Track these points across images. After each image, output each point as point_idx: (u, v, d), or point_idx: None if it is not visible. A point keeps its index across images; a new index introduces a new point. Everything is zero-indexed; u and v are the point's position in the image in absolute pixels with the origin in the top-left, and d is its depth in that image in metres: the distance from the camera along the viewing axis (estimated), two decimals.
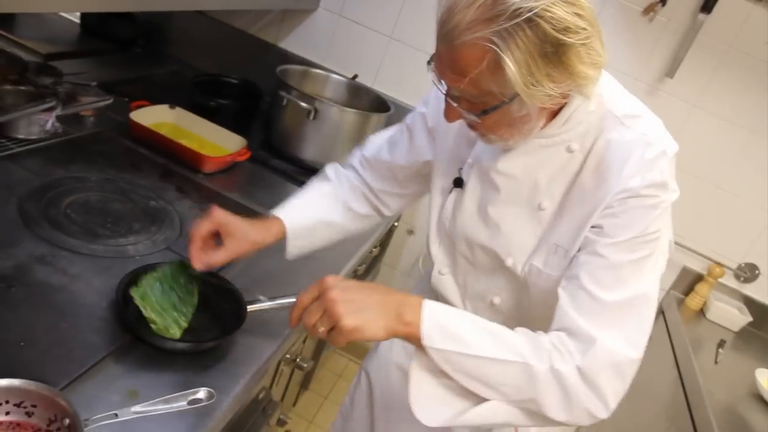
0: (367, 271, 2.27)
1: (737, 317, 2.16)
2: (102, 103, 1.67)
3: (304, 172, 1.92)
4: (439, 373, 0.95)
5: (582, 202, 1.00)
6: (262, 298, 1.15)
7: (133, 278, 1.10)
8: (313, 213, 1.26)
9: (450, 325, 0.93)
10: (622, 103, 1.02)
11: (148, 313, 1.04)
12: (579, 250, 0.99)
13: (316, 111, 1.88)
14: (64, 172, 1.47)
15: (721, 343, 2.03)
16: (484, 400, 0.95)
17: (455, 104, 0.93)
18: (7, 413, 0.84)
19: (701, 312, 2.22)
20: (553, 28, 0.81)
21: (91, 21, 2.37)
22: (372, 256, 2.28)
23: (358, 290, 0.94)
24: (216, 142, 1.83)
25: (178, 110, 1.87)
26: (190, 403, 0.92)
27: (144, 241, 1.34)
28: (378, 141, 1.33)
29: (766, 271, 2.19)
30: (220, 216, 1.15)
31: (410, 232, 2.49)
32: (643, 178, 0.94)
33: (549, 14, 0.81)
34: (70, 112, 1.60)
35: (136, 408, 0.89)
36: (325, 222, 1.27)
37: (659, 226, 0.95)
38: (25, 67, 1.68)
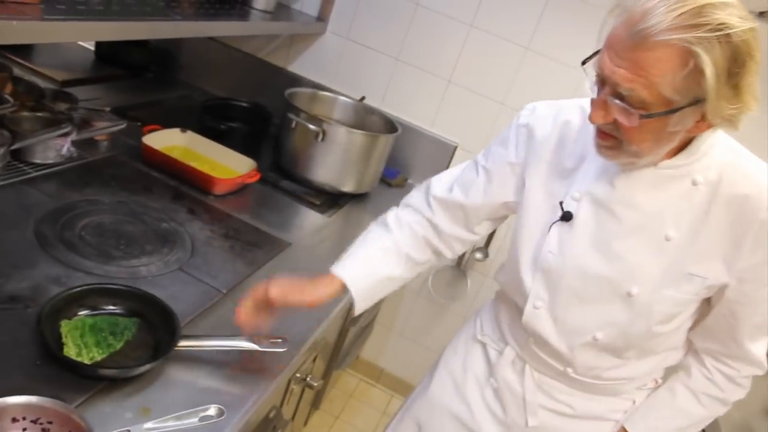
0: None
1: None
2: (115, 128, 1.71)
3: (313, 193, 1.95)
4: None
5: (723, 235, 1.04)
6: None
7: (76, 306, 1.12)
8: (375, 272, 1.24)
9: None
10: (733, 146, 1.07)
11: (67, 343, 1.05)
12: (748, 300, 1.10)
13: (324, 133, 1.91)
14: (79, 195, 1.50)
15: None
16: None
17: (614, 103, 0.93)
18: (24, 429, 0.87)
19: None
20: (744, 51, 0.87)
21: (104, 48, 2.43)
22: None
23: None
24: (226, 164, 1.86)
25: (189, 134, 1.90)
26: (201, 419, 0.94)
27: (156, 263, 1.36)
28: (446, 181, 1.31)
29: None
30: (278, 283, 1.16)
31: None
32: None
33: (746, 37, 0.86)
34: (84, 137, 1.64)
35: (149, 425, 0.91)
36: (388, 278, 1.26)
37: None
38: (41, 93, 1.73)
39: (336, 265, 1.23)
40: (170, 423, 0.92)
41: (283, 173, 2.00)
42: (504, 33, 2.18)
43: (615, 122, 0.96)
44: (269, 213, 1.78)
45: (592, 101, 0.98)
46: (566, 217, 1.12)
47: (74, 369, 1.00)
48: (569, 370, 1.23)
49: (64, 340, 1.05)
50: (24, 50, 2.18)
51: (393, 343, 2.71)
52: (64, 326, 1.08)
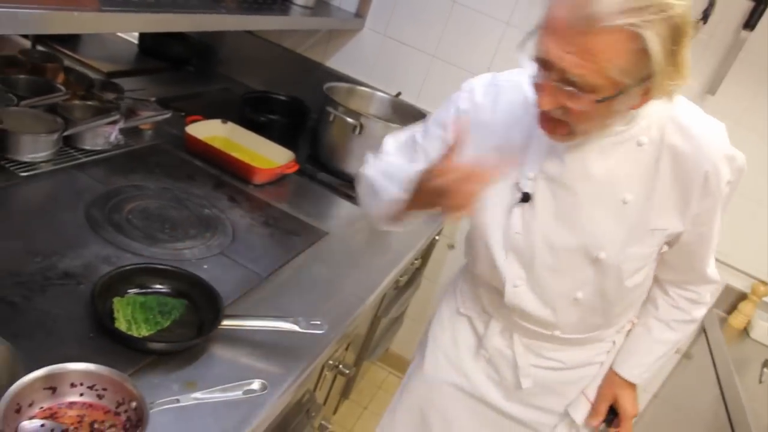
0: (408, 282, 2.32)
1: None
2: (160, 117, 1.77)
3: (349, 185, 1.99)
4: None
5: (673, 188, 1.11)
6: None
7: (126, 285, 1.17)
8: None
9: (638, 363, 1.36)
10: (680, 102, 1.11)
11: (118, 319, 1.10)
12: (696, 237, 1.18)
13: (361, 126, 1.95)
14: (126, 180, 1.56)
15: (766, 363, 2.01)
16: None
17: (561, 88, 0.94)
18: (81, 394, 0.92)
19: (745, 331, 2.20)
20: (682, 29, 0.90)
21: (147, 41, 2.50)
22: (414, 269, 2.32)
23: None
24: (265, 155, 1.91)
25: (230, 125, 1.96)
26: (245, 393, 0.98)
27: (199, 246, 1.41)
28: (394, 144, 1.33)
29: None
30: None
31: (451, 246, 2.54)
32: (731, 172, 1.11)
33: (683, 14, 0.89)
34: (131, 126, 1.70)
35: (196, 395, 0.95)
36: None
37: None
38: (91, 83, 1.79)
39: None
40: (216, 394, 0.96)
41: (321, 165, 2.04)
42: None
43: (563, 108, 0.97)
44: (307, 203, 1.82)
45: (537, 86, 0.98)
46: (525, 198, 1.15)
47: (125, 342, 1.05)
48: (557, 332, 1.30)
49: (115, 315, 1.10)
50: (72, 42, 2.25)
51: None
52: (117, 303, 1.13)
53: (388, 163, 1.28)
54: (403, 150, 1.30)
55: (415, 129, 1.31)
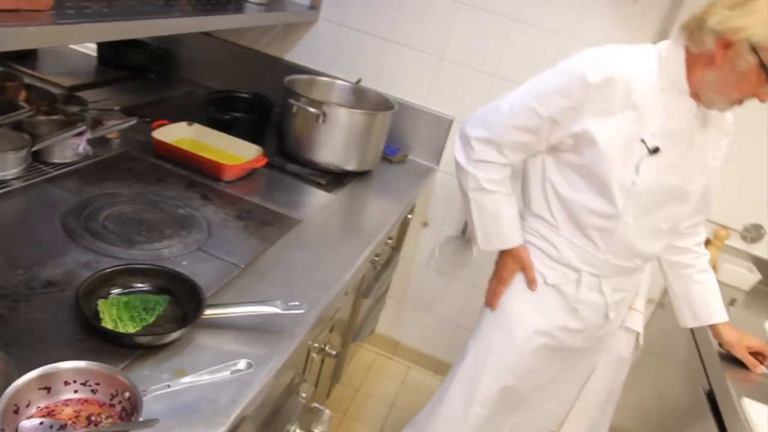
0: (386, 263, 2.38)
1: (747, 276, 2.23)
2: (126, 125, 1.80)
3: (318, 173, 2.04)
4: None
5: (713, 138, 1.54)
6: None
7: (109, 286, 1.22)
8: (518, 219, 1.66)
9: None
10: None
11: (105, 319, 1.15)
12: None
13: (324, 115, 1.99)
14: (99, 189, 1.59)
15: (732, 302, 2.10)
16: None
17: None
18: (75, 391, 0.96)
19: None
20: None
21: (106, 52, 2.51)
22: (389, 249, 2.38)
23: None
24: (234, 152, 1.95)
25: (196, 126, 1.99)
26: (232, 373, 1.03)
27: (176, 245, 1.46)
28: (504, 129, 1.53)
29: None
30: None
31: (425, 224, 2.60)
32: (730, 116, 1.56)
33: None
34: (98, 136, 1.73)
35: (186, 379, 1.00)
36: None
37: None
38: (53, 98, 1.82)
39: (505, 240, 1.63)
40: (205, 377, 1.01)
41: (289, 157, 2.08)
42: (489, 6, 2.25)
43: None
44: (278, 194, 1.87)
45: (763, 94, 1.35)
46: (655, 150, 1.43)
47: (113, 339, 1.09)
48: (637, 261, 1.60)
49: (101, 316, 1.15)
50: (30, 60, 2.27)
51: (406, 315, 2.80)
52: (101, 304, 1.17)
53: (486, 203, 1.62)
54: (524, 130, 1.52)
55: (527, 102, 1.50)
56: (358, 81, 2.37)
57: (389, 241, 2.16)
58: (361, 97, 2.32)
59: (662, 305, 2.44)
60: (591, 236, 1.55)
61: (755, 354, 1.69)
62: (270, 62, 2.54)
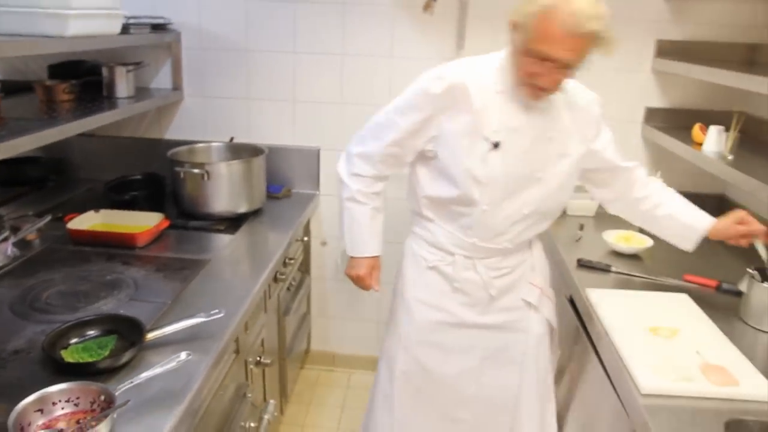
0: (298, 285, 2.73)
1: (589, 204, 2.71)
2: (42, 223, 2.10)
3: (216, 222, 2.39)
4: None
5: (574, 128, 1.76)
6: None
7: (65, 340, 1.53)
8: (380, 234, 1.95)
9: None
10: None
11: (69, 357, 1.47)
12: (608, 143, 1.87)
13: (207, 173, 2.35)
14: (34, 279, 1.89)
15: (581, 227, 2.56)
16: None
17: (560, 69, 1.55)
18: (62, 408, 1.27)
19: (563, 212, 2.76)
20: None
21: (3, 172, 2.77)
22: (299, 273, 2.73)
23: None
24: (140, 223, 2.26)
25: (102, 211, 2.30)
26: (177, 363, 1.36)
27: (112, 301, 1.77)
28: (377, 144, 1.82)
29: None
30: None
31: (323, 243, 2.97)
32: (598, 105, 1.84)
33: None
34: (20, 238, 2.02)
35: (144, 374, 1.33)
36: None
37: None
38: None
39: (366, 248, 1.93)
40: (158, 370, 1.34)
41: (188, 216, 2.42)
42: (321, 48, 2.69)
43: (556, 80, 1.59)
44: (187, 246, 2.20)
45: (534, 73, 1.57)
46: (497, 145, 1.68)
47: (80, 371, 1.40)
48: (506, 243, 1.81)
49: (66, 361, 1.45)
50: None
51: (333, 327, 3.15)
52: (64, 354, 1.48)
53: (356, 212, 1.91)
54: (393, 143, 1.80)
55: (390, 118, 1.79)
56: (231, 139, 2.74)
57: (291, 261, 2.51)
58: (236, 151, 2.69)
59: None
60: (459, 224, 1.79)
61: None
62: (152, 144, 2.87)
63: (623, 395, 1.55)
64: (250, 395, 1.90)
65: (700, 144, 2.29)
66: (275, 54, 2.72)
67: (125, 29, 2.29)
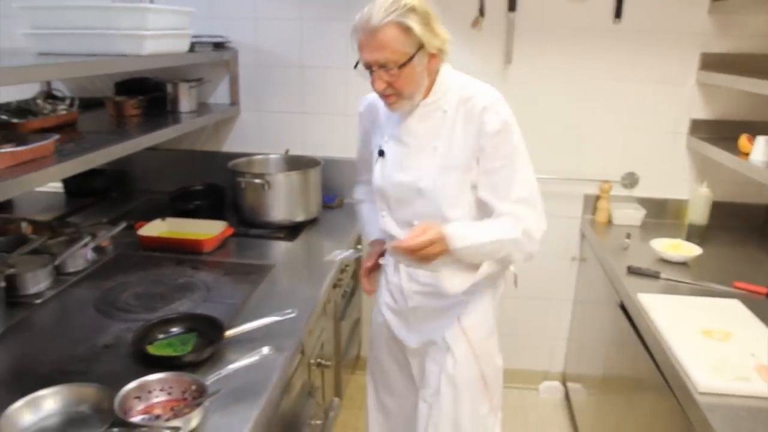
0: (351, 293, 2.83)
1: (634, 214, 2.77)
2: (118, 229, 2.23)
3: (276, 230, 2.50)
4: (452, 267, 1.71)
5: (465, 139, 1.64)
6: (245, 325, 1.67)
7: (150, 337, 1.64)
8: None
9: (464, 233, 1.59)
10: (471, 85, 1.69)
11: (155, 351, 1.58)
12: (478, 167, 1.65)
13: (268, 183, 2.46)
14: (112, 282, 2.01)
15: (628, 235, 2.61)
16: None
17: (381, 72, 1.55)
18: (157, 396, 1.37)
19: (609, 221, 2.82)
20: (424, 12, 1.54)
21: (71, 186, 2.92)
22: (352, 281, 2.83)
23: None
24: (204, 231, 2.38)
25: (168, 219, 2.43)
26: (260, 357, 1.46)
27: (187, 302, 1.88)
28: (357, 154, 2.00)
29: (643, 173, 2.82)
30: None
31: None
32: (497, 122, 1.60)
33: (420, 5, 1.53)
34: (98, 244, 2.15)
35: (231, 366, 1.43)
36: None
37: (517, 140, 1.65)
38: (51, 227, 2.23)
39: (369, 236, 1.98)
40: (243, 362, 1.44)
41: (248, 224, 2.54)
42: None
43: (388, 83, 1.58)
44: (250, 252, 2.31)
45: (371, 78, 1.59)
46: (381, 153, 1.77)
47: (167, 363, 1.50)
48: None
49: (153, 354, 1.56)
50: (7, 207, 2.65)
51: None
52: (150, 348, 1.58)
53: (363, 209, 2.04)
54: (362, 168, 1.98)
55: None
56: (287, 151, 2.86)
57: (346, 268, 2.60)
58: (292, 163, 2.80)
59: (583, 259, 2.94)
60: None
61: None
62: (210, 157, 3.00)
63: (680, 395, 1.61)
64: (315, 394, 1.99)
65: (747, 154, 2.33)
66: (328, 70, 2.83)
67: (191, 48, 2.42)
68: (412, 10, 1.52)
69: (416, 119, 1.69)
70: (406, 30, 1.51)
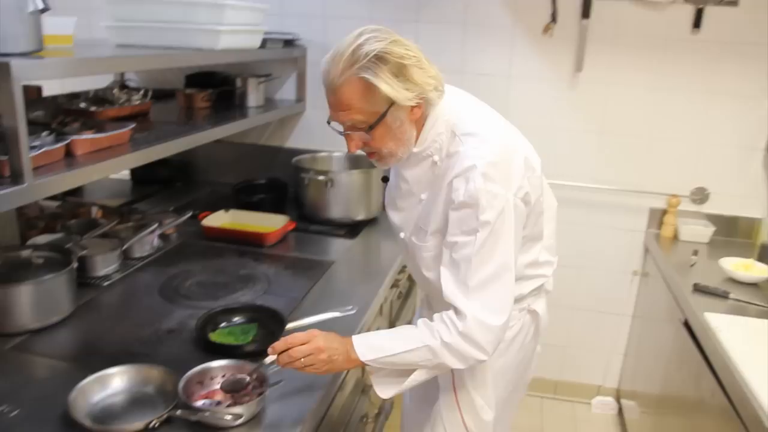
0: (407, 294, 2.82)
1: (703, 231, 2.68)
2: (184, 218, 2.28)
3: (336, 227, 2.51)
4: (383, 372, 1.45)
5: (436, 197, 1.44)
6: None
7: (213, 324, 1.66)
8: None
9: (372, 343, 1.39)
10: (466, 122, 1.42)
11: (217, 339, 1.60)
12: (456, 245, 1.36)
13: (332, 180, 2.47)
14: (176, 269, 2.05)
15: (695, 252, 2.53)
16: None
17: (352, 134, 1.36)
18: (218, 382, 1.39)
19: (675, 237, 2.74)
20: (396, 59, 1.28)
21: (137, 174, 3.01)
22: (406, 282, 2.82)
23: (327, 349, 1.36)
24: (266, 224, 2.41)
25: (232, 211, 2.47)
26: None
27: (248, 293, 1.90)
28: None
29: (714, 189, 2.73)
30: None
31: None
32: (464, 192, 1.33)
33: (389, 50, 1.28)
34: (164, 231, 2.20)
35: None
36: None
37: (489, 217, 1.31)
38: (120, 213, 2.29)
39: None
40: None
41: (309, 220, 2.55)
42: (440, 67, 2.77)
43: (364, 143, 1.39)
44: (310, 248, 2.33)
45: (345, 138, 1.40)
46: (384, 179, 1.66)
47: (228, 351, 1.52)
48: (424, 285, 1.67)
49: (215, 341, 1.58)
50: (78, 192, 2.74)
51: None
52: (212, 336, 1.61)
53: None
54: None
55: None
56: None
57: (404, 269, 2.59)
58: (355, 161, 2.81)
59: (645, 274, 2.87)
60: None
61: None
62: (273, 151, 3.04)
63: (748, 421, 1.54)
64: (369, 393, 1.98)
65: None
66: None
67: (262, 44, 2.45)
68: (379, 59, 1.27)
69: (406, 164, 1.49)
70: (371, 87, 1.28)
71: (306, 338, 1.36)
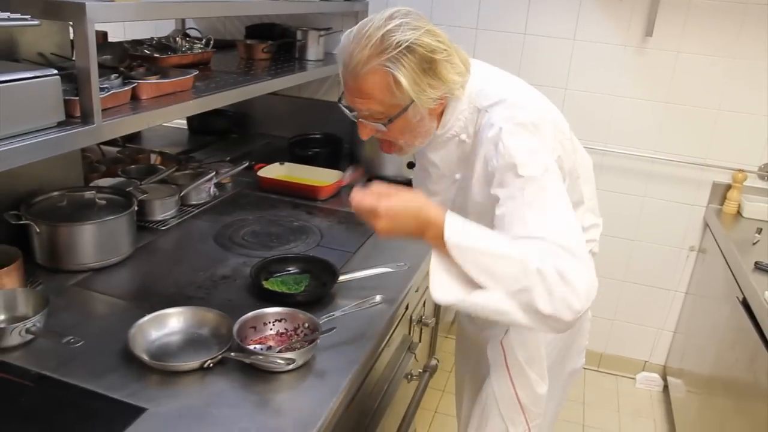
0: None
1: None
2: (240, 168, 2.31)
3: (391, 184, 2.49)
4: (453, 264, 1.15)
5: (471, 175, 1.37)
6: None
7: (267, 273, 1.68)
8: None
9: (467, 228, 1.17)
10: (489, 95, 1.33)
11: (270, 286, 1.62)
12: (499, 201, 1.25)
13: None
14: (231, 218, 2.08)
15: (758, 230, 2.44)
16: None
17: (366, 122, 1.30)
18: (271, 328, 1.41)
19: (738, 213, 2.65)
20: (426, 52, 1.21)
21: (194, 123, 3.04)
22: None
23: (399, 206, 1.22)
24: (319, 178, 2.41)
25: (287, 164, 2.48)
26: (370, 304, 1.47)
27: (301, 245, 1.92)
28: None
29: None
30: None
31: None
32: (497, 157, 1.25)
33: (421, 42, 1.20)
34: (220, 180, 2.23)
35: (341, 310, 1.45)
36: None
37: (532, 171, 1.20)
38: (178, 160, 2.33)
39: None
40: (354, 308, 1.46)
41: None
42: (503, 27, 2.71)
43: (377, 131, 1.33)
44: None
45: (357, 123, 1.34)
46: (410, 165, 1.63)
47: (281, 299, 1.54)
48: None
49: (269, 288, 1.61)
50: (137, 139, 2.79)
51: None
52: (265, 284, 1.63)
53: None
54: None
55: None
56: None
57: None
58: None
59: (703, 250, 2.79)
60: None
61: None
62: (329, 107, 3.00)
63: None
64: (414, 350, 2.00)
65: None
66: (456, 29, 2.78)
67: None
68: (409, 50, 1.19)
69: (431, 148, 1.44)
70: (397, 80, 1.20)
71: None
